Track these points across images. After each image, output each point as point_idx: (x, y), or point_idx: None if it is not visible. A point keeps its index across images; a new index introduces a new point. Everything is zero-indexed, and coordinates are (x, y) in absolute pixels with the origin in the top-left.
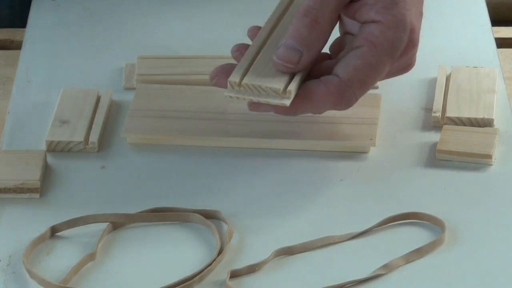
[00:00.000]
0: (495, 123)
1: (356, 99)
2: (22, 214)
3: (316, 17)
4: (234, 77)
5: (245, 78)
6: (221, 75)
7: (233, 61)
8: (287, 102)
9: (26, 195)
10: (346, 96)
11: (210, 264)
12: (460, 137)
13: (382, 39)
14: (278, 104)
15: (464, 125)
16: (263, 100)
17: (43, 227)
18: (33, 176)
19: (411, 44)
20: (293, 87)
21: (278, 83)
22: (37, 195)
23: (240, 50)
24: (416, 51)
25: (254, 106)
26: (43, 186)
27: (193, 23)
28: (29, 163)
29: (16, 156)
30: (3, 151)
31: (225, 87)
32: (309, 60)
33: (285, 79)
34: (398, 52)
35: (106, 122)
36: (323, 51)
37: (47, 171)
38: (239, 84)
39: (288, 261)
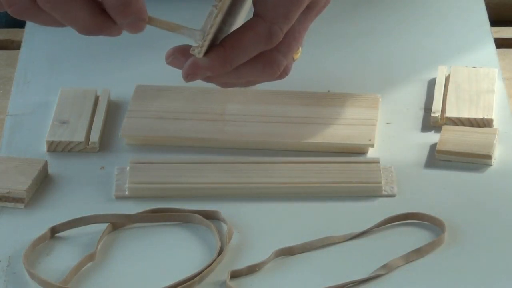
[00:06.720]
0: (494, 123)
1: (283, 33)
2: (22, 215)
3: None
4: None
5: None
6: (177, 54)
7: None
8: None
9: (11, 205)
10: (273, 34)
11: (210, 265)
12: (459, 137)
13: None
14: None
15: (464, 125)
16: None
17: (43, 228)
18: (21, 186)
19: None
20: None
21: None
22: (21, 206)
23: (175, 54)
24: None
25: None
26: (39, 193)
27: (193, 23)
28: (23, 173)
29: (15, 164)
30: (5, 157)
31: (180, 67)
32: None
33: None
34: None
35: (105, 122)
36: None
37: (47, 172)
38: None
39: (288, 262)
